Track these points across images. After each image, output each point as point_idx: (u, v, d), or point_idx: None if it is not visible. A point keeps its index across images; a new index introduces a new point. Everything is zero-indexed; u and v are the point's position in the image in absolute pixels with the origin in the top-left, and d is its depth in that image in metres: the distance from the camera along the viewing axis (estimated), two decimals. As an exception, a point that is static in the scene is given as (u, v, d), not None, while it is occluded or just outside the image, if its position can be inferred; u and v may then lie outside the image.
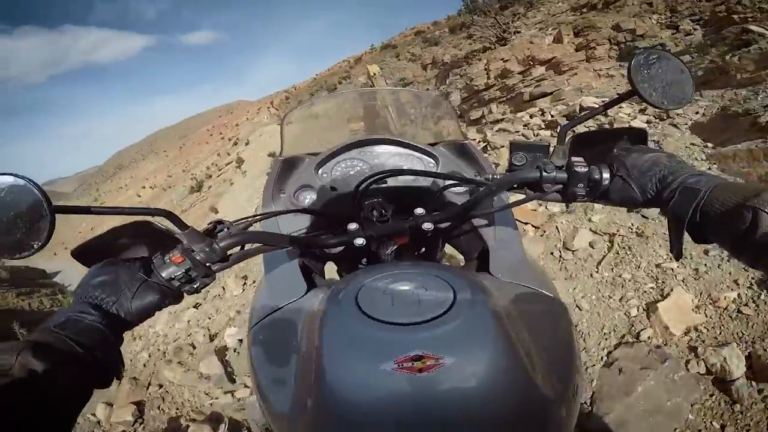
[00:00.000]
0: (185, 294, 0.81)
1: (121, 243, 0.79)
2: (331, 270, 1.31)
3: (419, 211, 1.03)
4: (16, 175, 0.59)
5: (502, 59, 12.51)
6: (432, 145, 1.36)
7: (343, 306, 0.69)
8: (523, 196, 0.93)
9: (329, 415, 0.60)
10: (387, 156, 1.31)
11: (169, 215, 0.75)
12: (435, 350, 0.58)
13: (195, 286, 0.80)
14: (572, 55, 11.20)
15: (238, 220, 0.95)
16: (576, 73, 10.81)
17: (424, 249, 1.27)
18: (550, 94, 10.50)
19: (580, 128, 1.36)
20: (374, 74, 15.63)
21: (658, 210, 0.80)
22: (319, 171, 1.29)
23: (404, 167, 1.27)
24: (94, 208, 0.71)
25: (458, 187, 1.20)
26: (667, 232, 0.76)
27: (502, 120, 11.60)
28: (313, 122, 1.70)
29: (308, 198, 1.26)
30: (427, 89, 21.48)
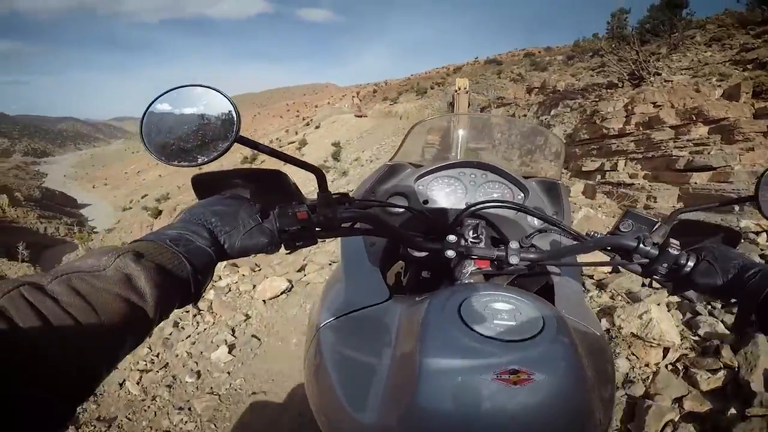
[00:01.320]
0: (285, 247, 0.82)
1: (242, 183, 0.84)
2: None
3: (513, 245, 1.02)
4: (220, 92, 0.64)
5: (653, 103, 9.72)
6: (526, 177, 1.41)
7: (447, 315, 0.71)
8: (607, 258, 0.98)
9: (425, 420, 0.62)
10: (482, 181, 1.37)
11: (319, 174, 0.78)
12: (528, 367, 0.62)
13: (298, 244, 0.82)
14: (750, 122, 8.31)
15: (360, 199, 1.13)
16: (752, 148, 7.96)
17: (493, 275, 1.23)
18: (714, 169, 7.84)
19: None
20: (460, 88, 13.35)
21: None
22: (417, 183, 1.35)
23: (495, 195, 1.36)
24: (264, 147, 0.71)
25: (541, 223, 1.24)
26: (735, 315, 0.79)
27: (630, 185, 8.92)
28: (429, 136, 1.79)
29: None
30: (524, 115, 19.93)
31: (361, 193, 1.32)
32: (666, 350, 2.80)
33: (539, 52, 38.27)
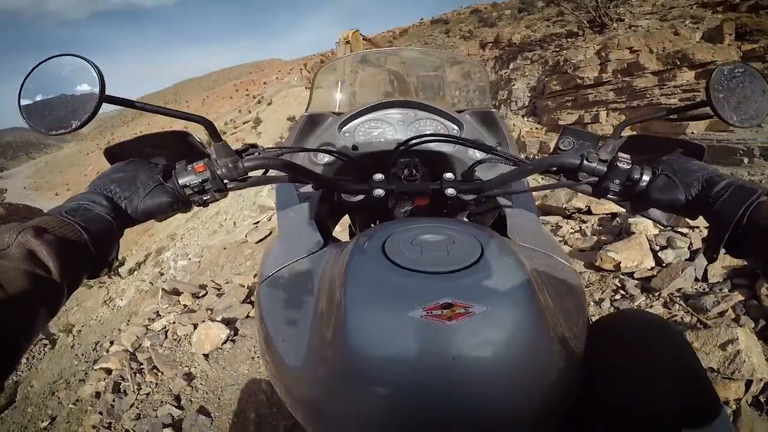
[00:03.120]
0: (194, 205, 0.83)
1: (153, 149, 0.84)
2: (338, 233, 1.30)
3: (449, 175, 1.01)
4: (82, 57, 0.65)
5: (629, 48, 8.96)
6: (458, 111, 1.35)
7: (369, 255, 0.67)
8: (555, 181, 0.94)
9: (353, 362, 0.58)
10: (411, 119, 1.32)
11: (207, 124, 0.79)
12: (465, 298, 0.57)
13: (205, 199, 0.82)
14: (743, 67, 7.61)
15: (269, 148, 0.98)
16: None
17: (440, 214, 1.18)
18: (708, 117, 7.08)
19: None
20: (343, 39, 12.34)
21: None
22: (342, 130, 1.29)
23: (427, 132, 1.28)
24: (138, 103, 0.73)
25: (482, 154, 1.17)
26: (706, 235, 0.73)
27: None
28: (341, 81, 1.68)
29: (328, 156, 1.23)
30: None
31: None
32: (748, 382, 2.16)
33: (486, 8, 38.29)
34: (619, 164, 0.82)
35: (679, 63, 8.21)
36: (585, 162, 0.85)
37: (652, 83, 8.36)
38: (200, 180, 0.79)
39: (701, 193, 0.74)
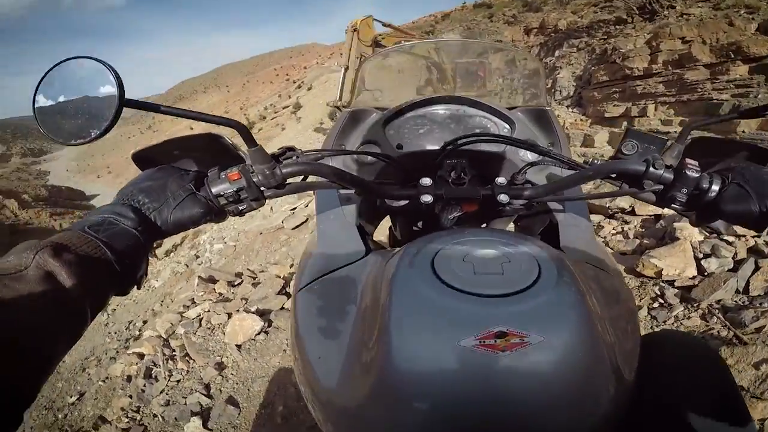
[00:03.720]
0: (228, 215, 0.80)
1: (184, 153, 0.81)
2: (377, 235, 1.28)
3: (500, 180, 0.97)
4: (99, 60, 0.61)
5: (681, 38, 8.51)
6: (510, 108, 1.30)
7: (417, 272, 0.62)
8: (615, 188, 0.87)
9: (396, 390, 0.55)
10: (459, 117, 1.26)
11: (240, 128, 0.73)
12: (520, 327, 0.53)
13: (241, 208, 0.80)
14: (797, 61, 7.13)
15: (308, 151, 0.94)
16: (806, 90, 6.82)
17: (488, 220, 1.22)
18: (765, 115, 6.67)
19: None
20: (351, 27, 11.19)
21: None
22: (387, 127, 1.24)
23: (476, 131, 1.22)
24: (164, 107, 0.66)
25: (534, 155, 1.11)
26: None
27: (665, 134, 7.85)
28: (386, 74, 1.69)
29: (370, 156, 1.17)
30: (525, 59, 18.48)
31: (327, 147, 1.19)
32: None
33: None
34: (687, 172, 0.76)
35: (732, 56, 7.64)
36: (651, 169, 0.79)
37: (704, 76, 7.86)
38: (235, 189, 0.76)
39: None
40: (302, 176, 0.84)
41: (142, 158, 0.80)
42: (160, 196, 0.71)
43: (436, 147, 1.10)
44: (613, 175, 0.86)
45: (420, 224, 1.18)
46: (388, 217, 1.36)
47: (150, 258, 0.73)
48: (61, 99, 0.64)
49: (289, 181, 0.81)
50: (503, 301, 0.56)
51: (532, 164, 1.05)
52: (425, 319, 0.56)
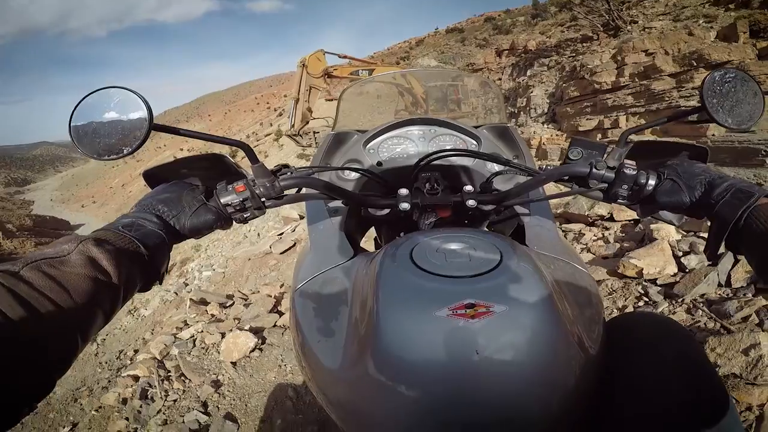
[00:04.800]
0: (235, 221, 0.90)
1: (190, 171, 0.90)
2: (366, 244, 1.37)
3: (468, 188, 1.09)
4: (130, 90, 0.72)
5: (645, 51, 8.89)
6: (475, 127, 1.42)
7: (399, 262, 0.72)
8: (567, 189, 1.00)
9: (386, 361, 0.63)
10: (431, 135, 1.38)
11: (246, 148, 0.87)
12: (486, 299, 0.62)
13: (246, 216, 0.89)
14: (758, 64, 7.57)
15: (301, 167, 1.04)
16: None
17: (462, 224, 1.27)
18: (707, 121, 6.96)
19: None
20: (300, 63, 12.11)
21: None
22: (367, 147, 1.36)
23: (447, 147, 1.34)
24: (183, 130, 0.82)
25: (499, 166, 1.23)
26: (707, 234, 0.78)
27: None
28: (364, 100, 1.83)
29: (354, 172, 1.29)
30: (499, 79, 19.16)
31: (315, 165, 1.32)
32: (772, 386, 2.15)
33: (499, 15, 38.05)
34: (625, 170, 0.88)
35: (695, 64, 8.08)
36: (594, 170, 0.90)
37: (670, 86, 8.23)
38: (241, 199, 0.86)
39: (704, 195, 0.79)
40: (297, 189, 0.97)
41: (151, 175, 0.89)
42: (177, 205, 0.81)
43: (412, 163, 1.20)
44: (565, 178, 0.97)
45: (402, 233, 1.27)
46: (373, 230, 1.49)
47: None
48: (95, 121, 0.73)
49: (285, 192, 0.91)
50: (471, 280, 0.65)
51: (497, 174, 1.19)
52: (407, 297, 0.65)
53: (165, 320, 6.50)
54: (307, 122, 12.24)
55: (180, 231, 0.81)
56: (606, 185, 0.91)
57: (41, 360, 0.52)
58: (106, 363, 5.54)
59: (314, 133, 12.54)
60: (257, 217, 0.91)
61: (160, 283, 0.79)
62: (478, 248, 0.74)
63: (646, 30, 11.51)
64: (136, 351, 5.52)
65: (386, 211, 1.13)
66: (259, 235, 10.90)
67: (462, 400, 0.59)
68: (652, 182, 0.87)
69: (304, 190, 1.00)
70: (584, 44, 13.87)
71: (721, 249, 0.76)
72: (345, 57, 14.21)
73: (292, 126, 12.29)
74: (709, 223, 0.78)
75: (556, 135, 11.79)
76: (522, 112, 14.34)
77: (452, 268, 0.68)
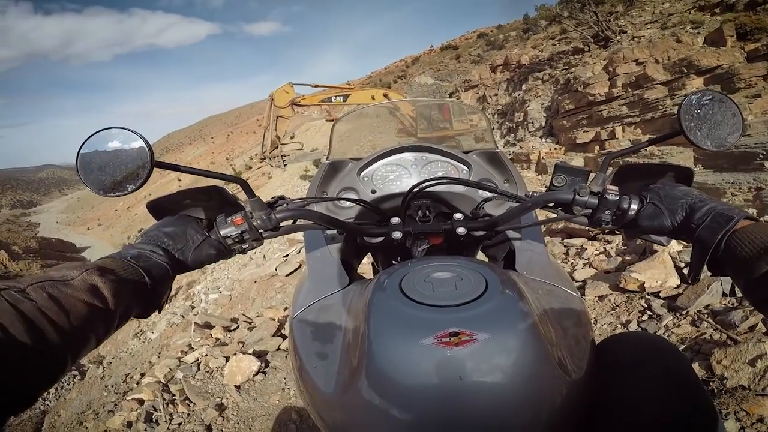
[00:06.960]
0: (234, 253, 0.95)
1: (192, 202, 0.94)
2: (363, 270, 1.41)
3: (458, 216, 1.13)
4: (132, 130, 0.78)
5: (635, 60, 8.99)
6: (465, 152, 1.44)
7: (388, 292, 0.75)
8: (554, 215, 0.99)
9: (376, 386, 0.66)
10: (423, 162, 1.41)
11: (243, 184, 0.95)
12: (469, 328, 0.64)
13: (244, 247, 0.93)
14: (748, 67, 7.63)
15: (296, 199, 1.10)
16: (759, 94, 7.28)
17: (455, 250, 1.30)
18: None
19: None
20: (269, 97, 13.76)
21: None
22: (361, 175, 1.39)
23: (439, 174, 1.39)
24: (183, 167, 0.85)
25: (491, 193, 1.26)
26: (690, 257, 0.81)
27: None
28: (358, 129, 1.88)
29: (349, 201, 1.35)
30: (495, 95, 19.25)
31: (311, 194, 1.36)
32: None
33: (491, 31, 38.60)
34: (608, 196, 0.89)
35: (686, 71, 8.11)
36: (577, 196, 0.91)
37: (663, 94, 8.28)
38: (239, 231, 0.90)
39: (685, 219, 0.80)
40: (293, 220, 0.99)
41: (156, 206, 0.93)
42: (182, 239, 0.87)
43: (405, 190, 1.22)
44: (551, 204, 0.98)
45: (398, 258, 1.31)
46: (371, 254, 1.51)
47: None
48: (101, 159, 0.77)
49: (282, 224, 0.94)
50: (455, 309, 0.68)
51: (486, 200, 1.23)
52: (395, 326, 0.68)
53: (171, 343, 6.54)
54: (276, 147, 13.62)
55: (184, 263, 0.86)
56: (590, 211, 0.92)
57: (31, 374, 0.55)
58: (113, 386, 5.61)
59: (282, 156, 13.93)
60: (255, 248, 0.95)
61: (159, 312, 0.83)
62: (464, 277, 0.76)
63: (635, 39, 11.58)
64: (142, 374, 5.59)
65: (380, 239, 1.16)
66: (264, 257, 10.94)
67: (447, 423, 0.62)
68: (634, 207, 0.89)
69: (300, 221, 1.02)
70: (576, 56, 13.97)
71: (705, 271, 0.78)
72: (317, 86, 15.37)
73: (264, 151, 13.94)
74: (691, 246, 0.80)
75: (555, 149, 11.80)
76: (520, 127, 14.42)
77: (438, 297, 0.71)
